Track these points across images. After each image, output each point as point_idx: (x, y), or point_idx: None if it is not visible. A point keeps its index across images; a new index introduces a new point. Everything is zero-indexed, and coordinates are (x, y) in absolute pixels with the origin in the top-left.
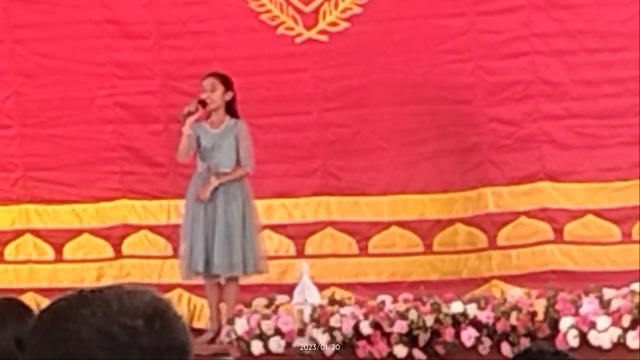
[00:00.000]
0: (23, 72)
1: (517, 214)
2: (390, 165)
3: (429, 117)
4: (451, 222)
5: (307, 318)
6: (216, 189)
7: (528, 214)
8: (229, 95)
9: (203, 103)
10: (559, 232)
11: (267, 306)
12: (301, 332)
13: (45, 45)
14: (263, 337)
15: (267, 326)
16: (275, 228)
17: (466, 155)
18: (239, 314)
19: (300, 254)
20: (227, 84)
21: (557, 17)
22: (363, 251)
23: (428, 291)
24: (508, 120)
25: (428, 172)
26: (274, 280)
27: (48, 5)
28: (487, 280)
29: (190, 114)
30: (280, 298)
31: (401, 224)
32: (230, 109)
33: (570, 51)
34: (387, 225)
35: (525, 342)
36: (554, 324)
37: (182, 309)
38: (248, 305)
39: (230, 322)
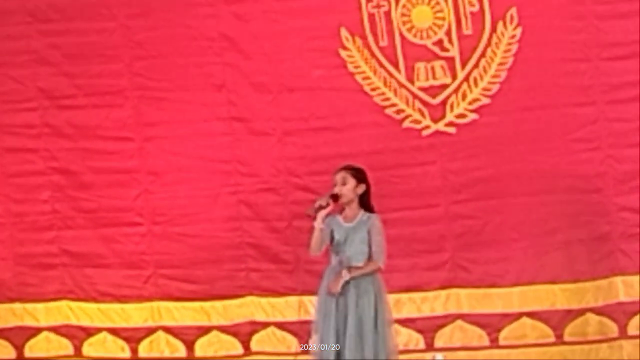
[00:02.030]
0: (152, 170)
1: None
2: (521, 256)
3: (560, 206)
4: (582, 312)
5: None
6: (347, 283)
7: None
8: (360, 189)
9: (335, 197)
10: None
11: None
12: None
13: (173, 143)
14: None
15: None
16: (403, 322)
17: (597, 245)
18: None
19: (430, 347)
20: (359, 177)
21: None
22: (494, 343)
23: None
24: (638, 209)
25: (558, 262)
26: None
27: (176, 102)
28: None
29: (321, 207)
30: None
31: (532, 315)
32: (364, 203)
33: None
34: (517, 316)
35: None
36: None
37: None
38: None
39: None
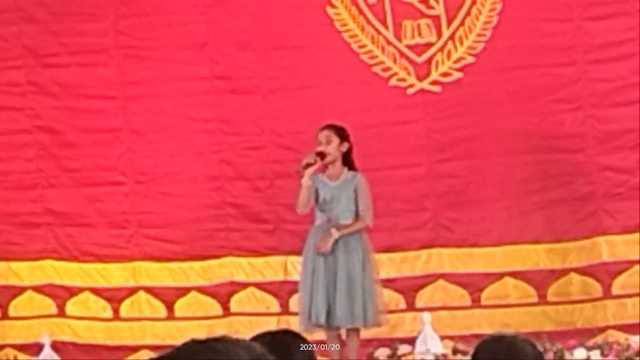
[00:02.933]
0: (135, 129)
1: (632, 263)
2: (504, 215)
3: (542, 166)
4: (565, 271)
5: None
6: (336, 241)
7: None
8: (344, 147)
9: (322, 155)
10: None
11: (390, 356)
12: None
13: (156, 101)
14: None
15: None
16: (383, 282)
17: (579, 205)
18: None
19: (411, 307)
20: (342, 135)
21: None
22: (476, 303)
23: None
24: (620, 168)
25: (541, 222)
26: (384, 334)
27: (159, 61)
28: (602, 330)
29: (308, 165)
30: (403, 348)
31: (514, 275)
32: (347, 161)
33: None
34: (500, 276)
35: None
36: None
37: None
38: (370, 356)
39: None
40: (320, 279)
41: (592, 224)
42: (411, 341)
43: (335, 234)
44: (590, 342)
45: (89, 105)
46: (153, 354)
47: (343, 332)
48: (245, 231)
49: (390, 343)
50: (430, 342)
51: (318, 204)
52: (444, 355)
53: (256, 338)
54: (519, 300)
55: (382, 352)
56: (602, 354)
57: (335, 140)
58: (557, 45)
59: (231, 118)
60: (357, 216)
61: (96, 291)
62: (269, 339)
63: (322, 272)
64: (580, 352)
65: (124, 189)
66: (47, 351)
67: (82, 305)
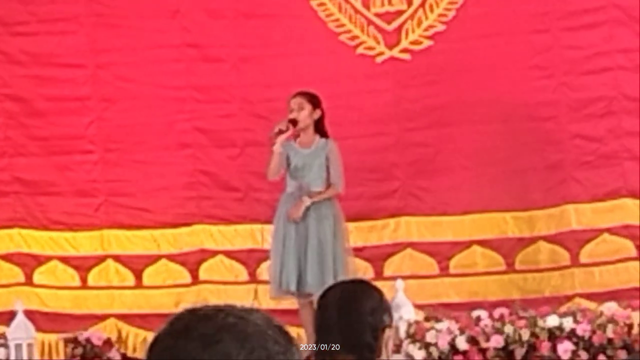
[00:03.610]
0: (105, 97)
1: (600, 231)
2: (473, 184)
3: (513, 134)
4: (533, 240)
5: (402, 334)
6: (308, 208)
7: (610, 231)
8: (317, 114)
9: (294, 122)
10: None
11: None
12: (397, 349)
13: (127, 69)
14: None
15: None
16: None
17: (549, 173)
18: None
19: (379, 275)
20: (314, 102)
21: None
22: (444, 271)
23: (511, 310)
24: (591, 136)
25: (510, 190)
26: None
27: (130, 29)
28: (570, 298)
29: (280, 132)
30: None
31: (482, 243)
32: (319, 128)
33: None
34: (468, 244)
35: (622, 355)
36: None
37: None
38: None
39: None
40: (291, 246)
41: (562, 192)
42: None
43: (307, 201)
44: (563, 309)
45: (57, 73)
46: (120, 323)
47: (315, 300)
48: (216, 199)
49: None
50: (403, 309)
51: (289, 171)
52: (417, 322)
53: (329, 289)
54: (486, 268)
55: None
56: (575, 321)
57: (308, 107)
58: (530, 12)
59: (203, 85)
60: (328, 183)
61: (65, 260)
62: (340, 288)
63: (293, 239)
64: (552, 319)
65: (93, 157)
66: (20, 318)
67: (50, 273)
